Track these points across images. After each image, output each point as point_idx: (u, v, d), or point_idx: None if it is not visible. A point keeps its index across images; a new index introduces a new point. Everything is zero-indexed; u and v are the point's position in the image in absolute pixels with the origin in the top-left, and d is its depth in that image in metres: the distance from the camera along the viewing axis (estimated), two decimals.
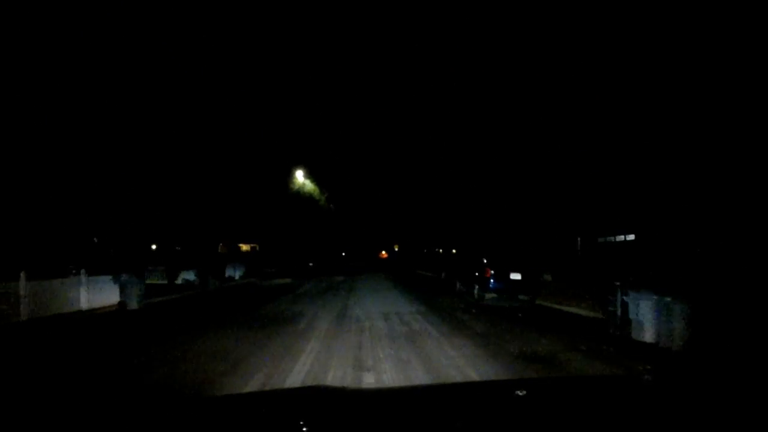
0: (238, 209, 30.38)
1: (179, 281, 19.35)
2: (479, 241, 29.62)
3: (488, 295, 13.38)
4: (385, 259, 66.61)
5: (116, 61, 21.05)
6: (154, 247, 32.00)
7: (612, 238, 20.89)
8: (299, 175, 36.75)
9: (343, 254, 61.48)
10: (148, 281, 19.73)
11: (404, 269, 39.10)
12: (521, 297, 13.38)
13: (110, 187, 24.24)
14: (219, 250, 38.15)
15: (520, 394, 1.58)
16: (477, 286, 13.43)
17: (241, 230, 36.24)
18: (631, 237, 19.27)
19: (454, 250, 36.98)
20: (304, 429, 1.18)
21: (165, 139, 24.03)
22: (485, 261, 13.69)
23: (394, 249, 67.18)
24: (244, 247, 47.11)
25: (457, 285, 16.02)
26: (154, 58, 22.56)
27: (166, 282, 18.98)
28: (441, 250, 44.51)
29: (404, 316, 10.05)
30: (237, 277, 25.04)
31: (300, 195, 37.72)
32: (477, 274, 13.62)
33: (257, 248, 45.24)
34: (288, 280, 24.29)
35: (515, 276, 12.95)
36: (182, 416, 1.34)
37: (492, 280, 12.94)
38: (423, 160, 36.53)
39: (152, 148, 23.64)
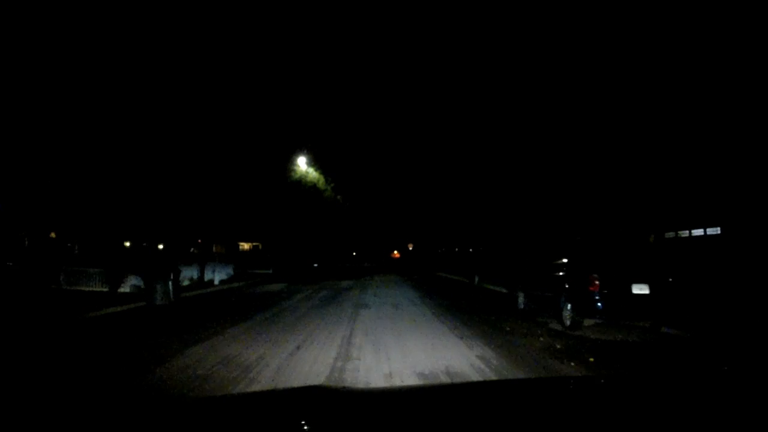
0: (232, 201, 25.96)
1: (127, 289, 14.27)
2: (506, 237, 24.94)
3: (587, 321, 8.02)
4: (399, 259, 62.30)
5: (96, 35, 16.89)
6: (128, 244, 27.26)
7: (685, 233, 15.95)
8: (301, 163, 31.58)
9: (354, 254, 57.63)
10: (87, 288, 14.82)
11: (422, 271, 33.87)
12: (640, 324, 8.05)
13: (73, 173, 19.85)
14: (213, 249, 34.04)
15: (522, 395, 1.53)
16: (569, 305, 8.01)
17: (238, 226, 31.99)
18: (714, 230, 14.36)
19: (481, 248, 31.63)
20: (306, 428, 1.14)
21: (146, 124, 19.99)
22: (575, 263, 8.35)
23: (408, 248, 62.18)
24: (246, 246, 43.23)
25: (520, 300, 10.60)
26: (138, 35, 18.33)
27: (107, 290, 13.96)
28: (457, 249, 39.53)
29: (469, 380, 4.72)
30: (217, 282, 19.99)
31: (302, 185, 32.64)
32: (567, 285, 8.22)
33: (259, 247, 41.30)
34: (281, 286, 19.14)
35: (640, 289, 7.53)
36: (182, 416, 1.28)
37: (598, 297, 7.55)
38: (438, 152, 31.15)
39: (130, 132, 19.71)
